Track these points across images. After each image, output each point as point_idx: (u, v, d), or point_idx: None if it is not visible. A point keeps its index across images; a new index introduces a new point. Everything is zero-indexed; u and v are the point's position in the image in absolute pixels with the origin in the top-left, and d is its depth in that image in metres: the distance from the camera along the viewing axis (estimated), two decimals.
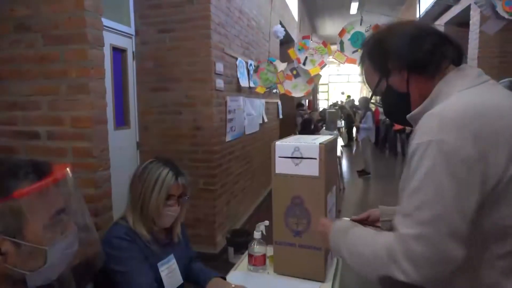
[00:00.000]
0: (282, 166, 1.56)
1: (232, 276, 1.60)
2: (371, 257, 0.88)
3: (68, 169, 0.81)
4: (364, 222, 1.36)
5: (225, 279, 1.54)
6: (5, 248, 0.71)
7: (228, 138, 4.04)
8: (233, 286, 1.44)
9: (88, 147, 1.89)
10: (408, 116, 1.00)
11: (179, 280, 1.50)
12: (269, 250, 1.72)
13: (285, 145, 1.56)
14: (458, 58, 0.97)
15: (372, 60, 1.04)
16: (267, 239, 1.71)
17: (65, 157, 1.90)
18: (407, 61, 0.95)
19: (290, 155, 1.54)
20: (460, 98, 0.88)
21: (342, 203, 5.56)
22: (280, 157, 1.56)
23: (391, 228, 0.94)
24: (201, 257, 1.74)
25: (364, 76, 1.09)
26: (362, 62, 1.09)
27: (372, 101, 1.14)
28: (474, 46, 5.49)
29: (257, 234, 1.67)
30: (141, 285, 1.33)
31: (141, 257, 1.39)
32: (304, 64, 3.94)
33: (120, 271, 1.34)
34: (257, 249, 1.66)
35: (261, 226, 1.69)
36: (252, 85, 4.56)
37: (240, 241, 3.51)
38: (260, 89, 4.32)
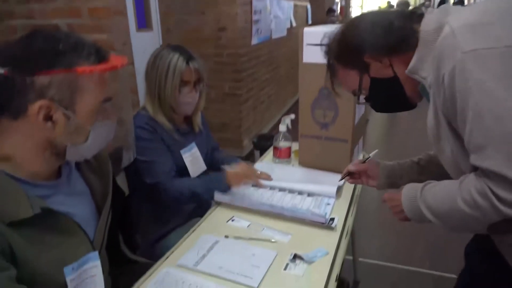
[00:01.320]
0: (310, 55, 1.46)
1: (257, 166, 1.62)
2: (467, 208, 0.77)
3: (125, 61, 0.82)
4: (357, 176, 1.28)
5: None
6: (56, 117, 0.74)
7: (254, 41, 3.85)
8: (258, 172, 1.47)
9: (108, 40, 1.84)
10: (408, 69, 0.88)
11: (203, 166, 1.54)
12: (294, 146, 1.72)
13: (314, 32, 1.44)
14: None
15: (344, 62, 0.99)
16: (292, 135, 1.70)
17: None
18: (384, 48, 0.90)
19: (319, 42, 1.42)
20: (458, 15, 0.80)
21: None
22: (308, 44, 1.45)
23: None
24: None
25: (339, 83, 1.04)
26: (331, 70, 1.04)
27: (361, 101, 1.04)
28: None
29: (282, 127, 1.65)
30: (162, 173, 1.37)
31: (163, 146, 1.41)
32: None
33: (143, 160, 1.37)
34: (282, 142, 1.65)
35: (287, 120, 1.66)
36: None
37: (266, 145, 3.55)
38: None
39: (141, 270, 1.02)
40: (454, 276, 1.18)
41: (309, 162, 1.63)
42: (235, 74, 3.59)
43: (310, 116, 1.54)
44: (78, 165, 0.94)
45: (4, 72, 0.70)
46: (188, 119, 1.54)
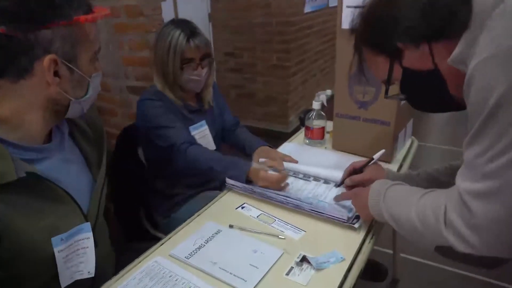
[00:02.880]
0: (350, 19, 1.22)
1: (285, 147, 1.46)
2: (417, 221, 0.74)
3: (108, 11, 0.80)
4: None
5: (272, 148, 1.41)
6: (61, 71, 0.73)
7: (307, 9, 3.56)
8: (282, 154, 1.30)
9: (137, 5, 1.73)
10: (451, 58, 0.65)
11: (211, 146, 1.42)
12: (329, 126, 1.51)
13: None
14: None
15: (372, 43, 0.77)
16: (328, 114, 1.49)
17: (117, 17, 1.79)
18: (425, 32, 0.68)
19: (361, 4, 1.18)
20: None
21: None
22: (348, 6, 1.21)
23: None
24: (272, 135, 1.62)
25: (365, 68, 0.83)
26: (358, 51, 0.82)
27: (388, 94, 0.83)
28: None
29: (316, 105, 1.45)
30: (177, 137, 1.27)
31: (174, 116, 1.33)
32: None
33: (155, 126, 1.30)
34: (315, 121, 1.46)
35: (322, 96, 1.47)
36: None
37: None
38: None
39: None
40: (507, 285, 0.95)
41: (344, 146, 1.42)
42: (284, 44, 3.37)
43: (347, 93, 1.32)
44: (72, 134, 0.90)
45: (1, 30, 0.65)
46: (198, 96, 1.44)
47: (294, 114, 3.68)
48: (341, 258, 0.88)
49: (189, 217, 1.07)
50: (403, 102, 1.27)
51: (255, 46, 3.48)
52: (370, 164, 1.09)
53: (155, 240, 0.98)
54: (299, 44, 3.54)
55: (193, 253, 0.90)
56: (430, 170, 1.05)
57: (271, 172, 1.16)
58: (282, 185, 1.14)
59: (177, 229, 1.01)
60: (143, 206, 1.59)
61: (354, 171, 1.10)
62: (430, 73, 0.71)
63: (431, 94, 0.77)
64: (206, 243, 0.94)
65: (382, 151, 1.11)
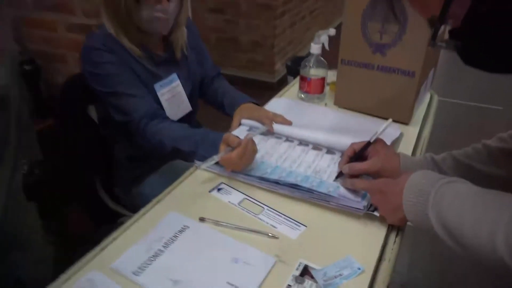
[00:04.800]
0: None
1: (274, 104, 1.14)
2: (506, 251, 0.48)
3: None
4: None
5: (258, 105, 1.09)
6: None
7: None
8: (271, 114, 1.00)
9: None
10: None
11: (186, 107, 1.09)
12: (331, 75, 1.20)
13: None
14: None
15: None
16: (329, 61, 1.17)
17: None
18: None
19: None
20: None
21: None
22: None
23: None
24: (255, 85, 1.28)
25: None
26: None
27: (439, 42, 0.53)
28: None
29: (315, 48, 1.12)
30: (135, 110, 0.95)
31: (132, 74, 0.97)
32: None
33: (107, 92, 0.96)
34: (314, 69, 1.14)
35: (323, 36, 1.11)
36: None
37: None
38: None
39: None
40: None
41: (349, 103, 1.12)
42: None
43: (358, 32, 0.99)
44: None
45: None
46: (166, 42, 1.06)
47: (280, 61, 3.31)
48: (359, 269, 0.62)
49: (154, 195, 0.78)
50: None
51: None
52: (372, 140, 0.79)
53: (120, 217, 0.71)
54: None
55: (145, 265, 0.62)
56: (458, 154, 0.77)
57: (259, 137, 0.86)
58: (248, 160, 0.82)
59: (124, 226, 0.71)
60: (99, 177, 1.29)
61: (355, 155, 0.80)
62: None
63: (507, 44, 0.48)
64: (165, 248, 0.66)
65: (389, 120, 0.81)
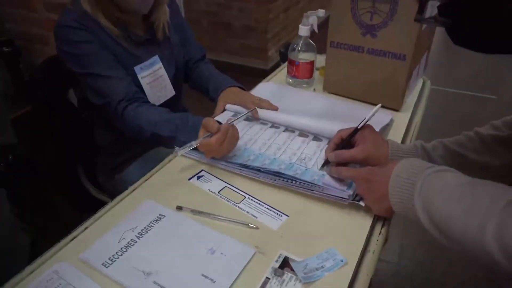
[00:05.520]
0: None
1: (262, 89, 1.10)
2: (495, 246, 0.44)
3: None
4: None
5: (244, 89, 1.05)
6: None
7: None
8: (257, 99, 0.96)
9: None
10: None
11: (169, 91, 1.04)
12: (320, 60, 1.16)
13: None
14: None
15: None
16: (319, 45, 1.12)
17: None
18: None
19: None
20: None
21: None
22: None
23: None
24: (248, 72, 1.23)
25: None
26: None
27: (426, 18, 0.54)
28: None
29: (304, 30, 1.07)
30: (114, 92, 0.90)
31: (108, 54, 0.92)
32: None
33: (83, 73, 0.91)
34: (302, 53, 1.09)
35: (312, 17, 1.07)
36: None
37: None
38: None
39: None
40: None
41: (339, 88, 1.08)
42: None
43: (348, 12, 0.94)
44: None
45: None
46: (147, 21, 1.00)
47: (274, 47, 3.25)
48: (342, 261, 0.59)
49: (137, 180, 0.75)
50: (424, 26, 0.91)
51: None
52: (359, 127, 0.75)
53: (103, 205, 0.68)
54: None
55: (116, 256, 0.59)
56: (449, 142, 0.74)
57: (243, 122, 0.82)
58: (228, 146, 0.77)
59: (96, 215, 0.68)
60: (81, 164, 1.25)
61: (342, 142, 0.76)
62: None
63: (497, 21, 0.46)
64: (138, 238, 0.62)
65: (378, 106, 0.77)
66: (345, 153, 0.72)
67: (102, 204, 0.68)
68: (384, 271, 1.60)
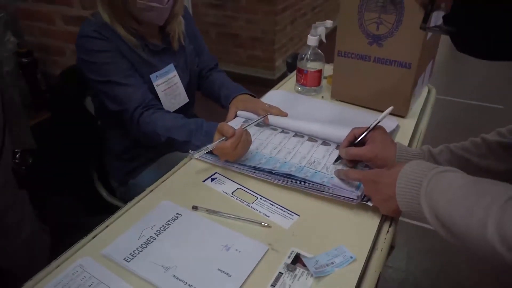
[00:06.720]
0: None
1: (271, 96, 1.14)
2: (498, 240, 0.47)
3: None
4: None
5: (255, 97, 1.09)
6: None
7: None
8: (267, 106, 1.00)
9: None
10: None
11: (183, 98, 1.09)
12: (328, 69, 1.20)
13: None
14: None
15: None
16: (327, 53, 1.16)
17: None
18: None
19: None
20: None
21: None
22: None
23: None
24: (255, 82, 1.27)
25: None
26: None
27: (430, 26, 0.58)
28: None
29: (312, 40, 1.11)
30: (130, 99, 0.95)
31: (126, 63, 0.97)
32: None
33: (99, 80, 0.96)
34: (311, 62, 1.13)
35: (320, 28, 1.11)
36: None
37: None
38: None
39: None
40: None
41: (346, 95, 1.12)
42: None
43: (355, 23, 0.99)
44: None
45: None
46: (163, 32, 1.05)
47: (281, 58, 3.31)
48: (351, 257, 0.61)
49: (150, 185, 0.78)
50: (429, 35, 0.95)
51: None
52: (371, 127, 0.79)
53: (116, 210, 0.71)
54: None
55: (136, 252, 0.62)
56: (455, 147, 0.77)
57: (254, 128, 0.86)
58: (242, 150, 0.80)
59: (116, 214, 0.71)
60: (95, 169, 1.29)
61: (354, 140, 0.80)
62: None
63: (501, 29, 0.48)
64: (157, 235, 0.65)
65: (390, 108, 0.81)
66: (355, 150, 0.76)
67: (115, 208, 0.71)
68: (391, 278, 1.61)
